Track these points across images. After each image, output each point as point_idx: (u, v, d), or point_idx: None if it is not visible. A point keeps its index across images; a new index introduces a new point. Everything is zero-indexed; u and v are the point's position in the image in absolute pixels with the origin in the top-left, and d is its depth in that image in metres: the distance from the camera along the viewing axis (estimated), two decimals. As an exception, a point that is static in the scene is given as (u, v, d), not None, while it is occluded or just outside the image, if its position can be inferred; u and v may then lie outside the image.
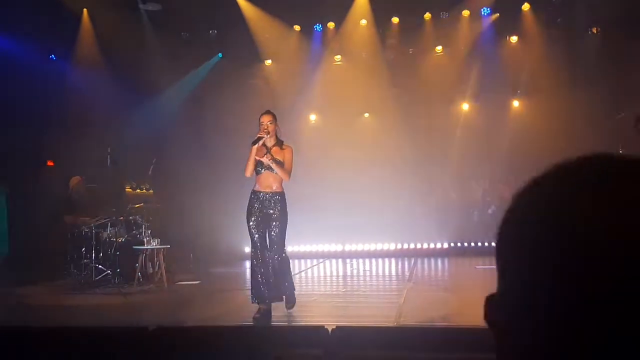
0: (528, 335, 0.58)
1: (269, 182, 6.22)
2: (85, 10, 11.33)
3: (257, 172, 6.21)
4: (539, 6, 12.18)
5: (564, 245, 0.55)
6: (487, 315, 0.63)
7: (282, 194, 6.27)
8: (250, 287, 6.19)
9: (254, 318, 5.76)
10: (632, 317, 0.51)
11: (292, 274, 6.59)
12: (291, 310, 6.34)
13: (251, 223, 6.19)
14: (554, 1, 12.06)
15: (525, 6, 12.25)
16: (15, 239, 10.07)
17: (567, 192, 0.58)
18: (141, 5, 11.55)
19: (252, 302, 6.06)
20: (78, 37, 11.45)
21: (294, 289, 6.33)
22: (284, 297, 6.16)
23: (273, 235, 6.19)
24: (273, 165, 6.08)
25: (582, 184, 0.58)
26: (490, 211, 12.79)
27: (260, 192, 6.23)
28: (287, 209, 6.30)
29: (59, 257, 9.49)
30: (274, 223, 6.20)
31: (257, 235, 6.19)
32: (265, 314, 5.90)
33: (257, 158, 6.12)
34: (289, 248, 13.19)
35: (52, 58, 11.36)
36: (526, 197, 0.62)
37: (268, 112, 6.40)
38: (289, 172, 6.21)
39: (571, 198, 0.57)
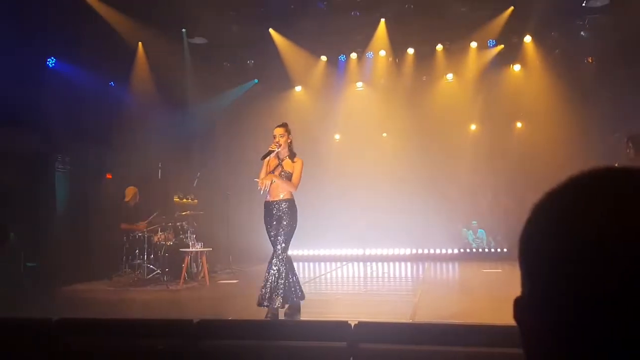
0: (551, 333, 0.58)
1: (277, 192, 5.89)
2: (140, 43, 11.53)
3: (270, 183, 5.91)
4: (539, 38, 12.10)
5: (579, 250, 0.55)
6: (515, 315, 0.63)
7: (291, 201, 5.93)
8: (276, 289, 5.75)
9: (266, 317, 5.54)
10: (636, 317, 0.52)
11: (296, 276, 6.10)
12: (316, 308, 6.34)
13: (271, 232, 5.92)
14: (552, 34, 11.97)
15: (527, 38, 12.19)
16: (78, 240, 10.21)
17: (581, 202, 0.58)
18: (189, 39, 11.71)
19: (281, 306, 5.73)
20: (133, 66, 11.64)
21: (293, 293, 5.89)
22: (291, 297, 5.84)
23: (279, 238, 5.87)
24: (279, 181, 5.81)
25: (595, 195, 0.58)
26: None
27: (271, 201, 5.93)
28: (297, 215, 5.99)
29: (116, 258, 9.61)
30: (282, 225, 5.86)
31: (269, 237, 5.97)
32: (290, 312, 5.74)
33: (269, 174, 5.86)
34: (316, 252, 13.34)
35: (111, 84, 11.56)
36: (545, 207, 0.62)
37: (281, 125, 6.01)
38: (295, 185, 5.88)
39: (585, 207, 0.57)
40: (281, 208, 5.87)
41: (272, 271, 5.78)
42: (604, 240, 0.55)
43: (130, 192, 9.94)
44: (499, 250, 12.93)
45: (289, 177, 5.85)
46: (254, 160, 12.72)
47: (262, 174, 5.87)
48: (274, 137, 5.89)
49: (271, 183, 5.83)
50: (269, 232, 5.93)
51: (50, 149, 10.16)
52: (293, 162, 5.91)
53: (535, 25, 11.44)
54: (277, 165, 5.89)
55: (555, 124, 11.57)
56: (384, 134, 13.75)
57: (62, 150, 10.28)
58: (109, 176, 11.16)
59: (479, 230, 13.03)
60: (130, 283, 9.06)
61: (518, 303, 0.63)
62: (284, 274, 5.75)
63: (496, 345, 2.54)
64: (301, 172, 5.90)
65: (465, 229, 13.11)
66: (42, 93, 10.05)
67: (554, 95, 11.83)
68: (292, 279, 5.92)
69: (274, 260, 5.83)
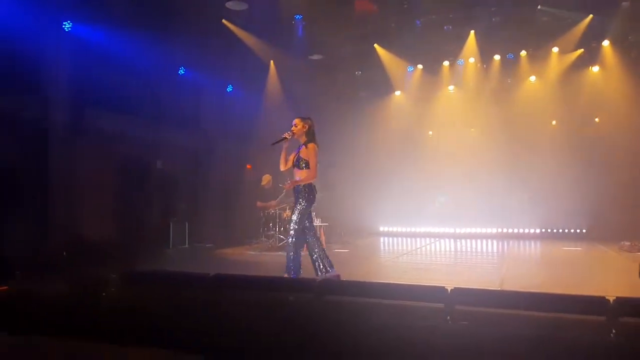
0: None
1: (296, 177, 5.51)
2: (272, 61, 11.90)
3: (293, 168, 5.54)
4: (617, 43, 10.99)
5: None
6: None
7: (306, 185, 5.42)
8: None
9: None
10: None
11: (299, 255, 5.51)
12: (415, 274, 6.23)
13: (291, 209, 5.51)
14: (629, 38, 10.83)
15: (605, 42, 11.09)
16: (226, 217, 10.81)
17: None
18: (310, 56, 11.90)
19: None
20: (267, 79, 12.05)
21: (292, 268, 5.37)
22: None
23: (293, 217, 5.46)
24: (299, 181, 5.39)
25: None
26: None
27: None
28: (312, 196, 5.46)
29: (255, 229, 10.06)
30: (296, 208, 5.46)
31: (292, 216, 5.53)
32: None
33: (288, 183, 5.56)
34: (414, 229, 13.16)
35: (229, 89, 12.02)
36: None
37: (298, 117, 5.53)
38: (313, 173, 5.38)
39: None
40: (298, 190, 5.46)
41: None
42: None
43: (266, 178, 10.31)
44: (578, 230, 12.03)
45: (305, 164, 5.40)
46: (362, 154, 12.91)
47: (282, 159, 5.49)
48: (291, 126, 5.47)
49: (297, 169, 5.47)
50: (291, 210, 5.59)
51: (206, 145, 10.86)
52: (307, 148, 5.44)
53: (613, 31, 10.41)
54: (296, 153, 5.50)
55: (630, 118, 10.68)
56: (472, 129, 13.14)
57: (215, 147, 10.94)
58: (249, 167, 11.71)
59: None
60: (266, 249, 9.47)
61: None
62: (294, 249, 5.38)
63: (576, 312, 2.37)
64: (315, 158, 5.39)
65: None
66: (200, 103, 10.77)
67: (630, 93, 10.73)
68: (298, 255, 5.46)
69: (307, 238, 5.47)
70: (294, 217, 5.41)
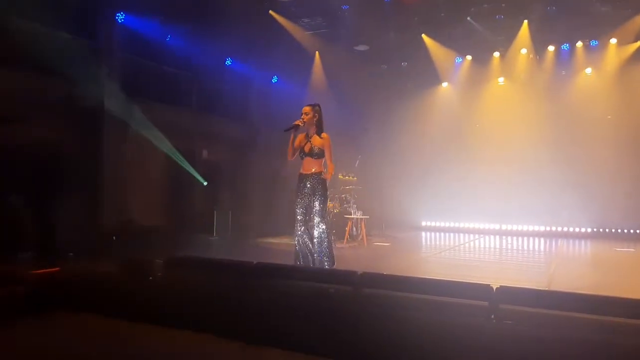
0: None
1: (310, 166, 5.30)
2: (317, 52, 11.91)
3: (302, 158, 5.31)
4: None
5: None
6: None
7: (319, 174, 5.29)
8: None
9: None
10: None
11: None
12: (459, 271, 6.08)
13: (298, 200, 5.31)
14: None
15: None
16: (268, 207, 10.92)
17: None
18: (355, 47, 11.81)
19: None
20: (312, 70, 12.08)
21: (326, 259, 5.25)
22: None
23: (314, 210, 5.27)
24: (329, 173, 5.27)
25: None
26: None
27: (303, 174, 5.33)
28: (326, 187, 5.35)
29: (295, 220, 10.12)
30: (315, 198, 5.27)
31: (301, 210, 5.32)
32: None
33: (299, 146, 5.29)
34: (459, 224, 12.89)
35: (274, 81, 12.07)
36: None
37: (309, 105, 5.37)
38: (331, 163, 5.27)
39: None
40: (313, 181, 5.29)
41: (315, 238, 5.27)
42: None
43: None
44: (631, 230, 11.39)
45: (319, 152, 5.25)
46: (407, 146, 12.73)
47: (290, 148, 5.24)
48: (302, 114, 5.30)
49: (302, 159, 5.29)
50: (302, 201, 5.30)
51: (251, 136, 11.02)
52: (321, 137, 5.27)
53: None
54: (306, 142, 5.29)
55: None
56: (522, 124, 12.65)
57: (260, 138, 11.07)
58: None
59: None
60: (307, 240, 9.51)
61: None
62: (327, 239, 5.28)
63: (631, 316, 2.25)
64: (331, 147, 5.27)
65: None
66: (246, 94, 10.93)
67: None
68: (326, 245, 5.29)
69: (320, 228, 5.24)
70: (323, 208, 5.29)
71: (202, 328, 2.41)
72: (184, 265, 3.51)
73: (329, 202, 9.72)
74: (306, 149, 5.27)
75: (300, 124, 5.22)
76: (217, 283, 3.12)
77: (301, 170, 5.35)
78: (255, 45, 10.10)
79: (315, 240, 5.26)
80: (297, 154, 5.31)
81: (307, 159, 5.29)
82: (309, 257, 5.28)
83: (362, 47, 11.92)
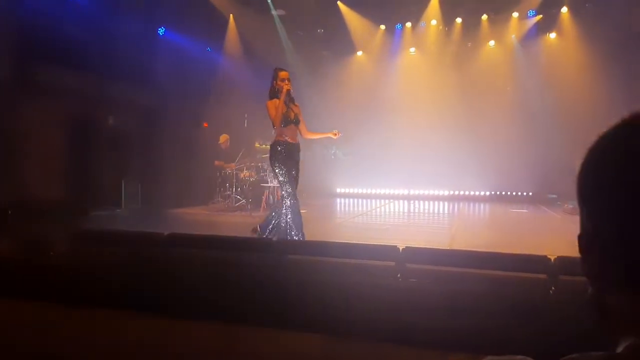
0: (625, 267, 0.51)
1: (294, 134, 5.20)
2: (231, 15, 11.51)
3: (283, 126, 5.11)
4: (575, 9, 11.22)
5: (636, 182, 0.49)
6: (582, 250, 0.57)
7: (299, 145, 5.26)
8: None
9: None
10: None
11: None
12: (369, 233, 6.37)
13: (292, 171, 5.13)
14: (587, 5, 11.06)
15: (564, 9, 11.32)
16: (180, 176, 10.62)
17: (633, 142, 0.52)
18: (272, 12, 11.57)
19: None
20: (226, 35, 11.67)
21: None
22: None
23: (298, 177, 5.22)
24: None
25: None
26: None
27: (293, 144, 5.15)
28: None
29: (211, 189, 9.95)
30: (299, 167, 5.22)
31: (289, 178, 5.12)
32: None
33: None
34: (370, 190, 13.38)
35: (208, 50, 11.66)
36: (599, 150, 0.55)
37: (286, 70, 5.24)
38: (305, 127, 5.30)
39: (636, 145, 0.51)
40: (298, 150, 5.22)
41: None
42: None
43: (223, 137, 10.17)
44: (524, 193, 12.57)
45: (298, 120, 5.19)
46: (320, 114, 12.82)
47: (278, 114, 5.02)
48: (283, 79, 5.09)
49: (284, 127, 5.10)
50: (290, 171, 5.10)
51: (161, 102, 10.49)
52: (295, 104, 5.24)
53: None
54: (288, 109, 5.12)
55: (580, 85, 10.85)
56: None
57: (170, 104, 10.59)
58: (205, 125, 11.46)
59: None
60: (222, 209, 9.43)
61: (582, 239, 0.56)
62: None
63: (519, 270, 2.52)
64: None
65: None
66: (154, 57, 10.32)
67: (584, 61, 11.05)
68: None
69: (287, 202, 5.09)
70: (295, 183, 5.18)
71: (113, 305, 2.33)
72: (88, 239, 3.34)
73: (244, 171, 9.70)
74: (291, 116, 5.11)
75: (290, 88, 5.08)
76: (125, 256, 3.01)
77: (287, 139, 5.09)
78: (166, 7, 9.53)
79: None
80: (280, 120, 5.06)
81: (291, 127, 5.13)
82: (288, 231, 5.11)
83: (278, 12, 11.70)
